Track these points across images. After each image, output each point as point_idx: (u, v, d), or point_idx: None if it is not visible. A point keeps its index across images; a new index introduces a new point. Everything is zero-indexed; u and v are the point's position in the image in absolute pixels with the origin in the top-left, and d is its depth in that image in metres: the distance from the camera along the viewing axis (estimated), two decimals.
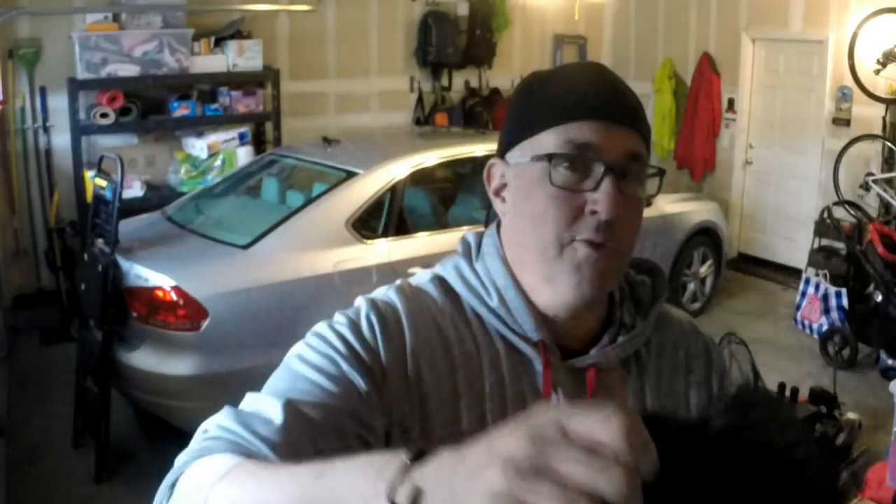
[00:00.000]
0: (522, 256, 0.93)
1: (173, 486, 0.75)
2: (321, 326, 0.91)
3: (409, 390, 0.88)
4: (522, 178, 0.91)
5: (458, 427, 0.89)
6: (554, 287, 0.90)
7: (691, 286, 5.66)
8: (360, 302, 0.94)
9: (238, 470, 0.69)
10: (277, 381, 0.87)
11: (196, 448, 0.78)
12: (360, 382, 0.84)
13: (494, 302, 0.94)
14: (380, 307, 0.92)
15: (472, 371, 0.92)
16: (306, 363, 0.86)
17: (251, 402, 0.83)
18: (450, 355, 0.92)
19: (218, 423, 0.80)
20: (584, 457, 0.45)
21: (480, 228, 1.03)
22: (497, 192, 0.96)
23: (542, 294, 0.92)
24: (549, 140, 0.88)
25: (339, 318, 0.91)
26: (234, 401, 0.91)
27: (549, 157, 0.87)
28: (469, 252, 1.00)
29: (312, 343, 0.89)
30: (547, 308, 0.93)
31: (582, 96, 0.89)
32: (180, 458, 0.78)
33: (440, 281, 0.98)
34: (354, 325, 0.89)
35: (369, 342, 0.88)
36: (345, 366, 0.85)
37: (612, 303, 0.99)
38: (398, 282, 0.99)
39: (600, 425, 0.46)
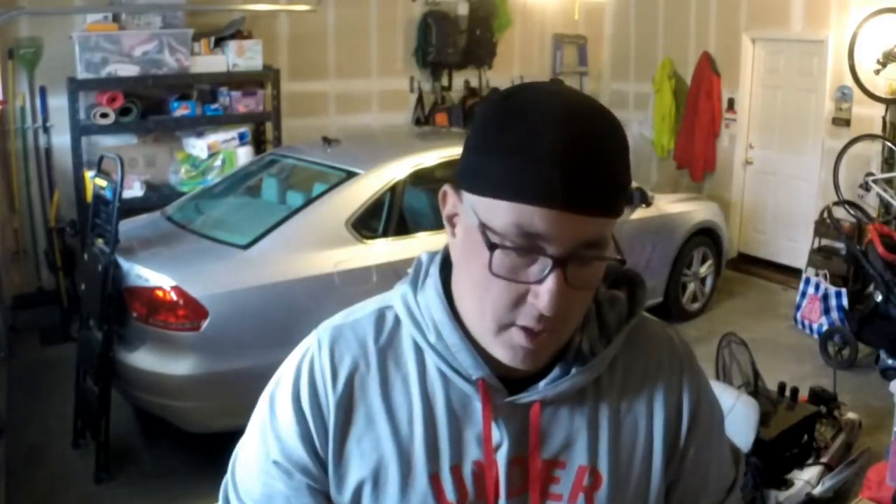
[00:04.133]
0: (465, 303, 0.88)
1: None
2: (264, 417, 0.94)
3: (327, 452, 0.90)
4: (469, 235, 0.82)
5: (383, 475, 0.89)
6: (492, 350, 0.86)
7: (691, 286, 5.65)
8: (284, 371, 0.95)
9: None
10: (246, 473, 0.95)
11: None
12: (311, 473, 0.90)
13: (433, 337, 0.89)
14: (299, 380, 0.92)
15: (400, 417, 0.89)
16: (264, 466, 0.92)
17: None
18: (371, 403, 0.90)
19: None
20: None
21: None
22: (449, 219, 0.87)
23: (482, 341, 0.87)
24: (498, 213, 0.77)
25: (276, 407, 0.93)
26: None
27: (492, 247, 0.78)
28: (417, 278, 0.94)
29: (265, 440, 0.93)
30: None
31: (541, 169, 0.75)
32: None
33: (380, 314, 0.95)
34: (286, 417, 0.91)
35: (300, 429, 0.90)
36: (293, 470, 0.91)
37: None
38: (337, 320, 0.96)
39: None
